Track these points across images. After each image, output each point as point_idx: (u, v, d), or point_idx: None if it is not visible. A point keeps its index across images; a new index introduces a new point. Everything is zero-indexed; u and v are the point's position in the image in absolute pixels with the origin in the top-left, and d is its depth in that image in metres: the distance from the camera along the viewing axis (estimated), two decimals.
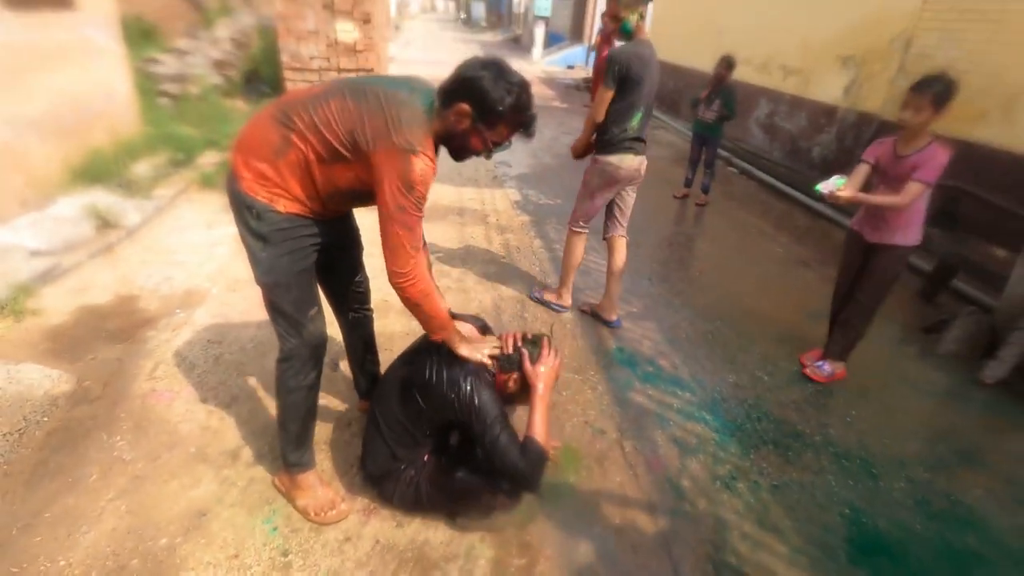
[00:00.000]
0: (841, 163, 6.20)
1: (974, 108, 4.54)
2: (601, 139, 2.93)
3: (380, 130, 1.48)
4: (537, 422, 1.71)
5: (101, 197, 4.15)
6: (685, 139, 7.99)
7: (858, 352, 3.11)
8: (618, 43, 3.04)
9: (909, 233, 2.55)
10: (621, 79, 2.76)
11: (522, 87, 1.56)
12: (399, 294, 1.62)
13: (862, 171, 2.57)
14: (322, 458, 2.15)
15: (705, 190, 5.69)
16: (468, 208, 5.02)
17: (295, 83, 8.08)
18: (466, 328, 1.95)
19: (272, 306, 1.72)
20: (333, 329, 2.25)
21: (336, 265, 1.96)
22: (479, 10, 32.10)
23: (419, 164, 1.47)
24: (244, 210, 1.60)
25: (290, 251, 1.63)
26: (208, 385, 2.50)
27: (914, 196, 2.39)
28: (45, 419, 2.24)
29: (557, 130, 8.32)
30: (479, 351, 1.78)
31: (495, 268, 3.88)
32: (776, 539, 1.97)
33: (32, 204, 3.99)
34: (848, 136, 6.16)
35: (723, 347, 3.14)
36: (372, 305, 2.23)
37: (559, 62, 17.32)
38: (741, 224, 5.27)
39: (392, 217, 1.51)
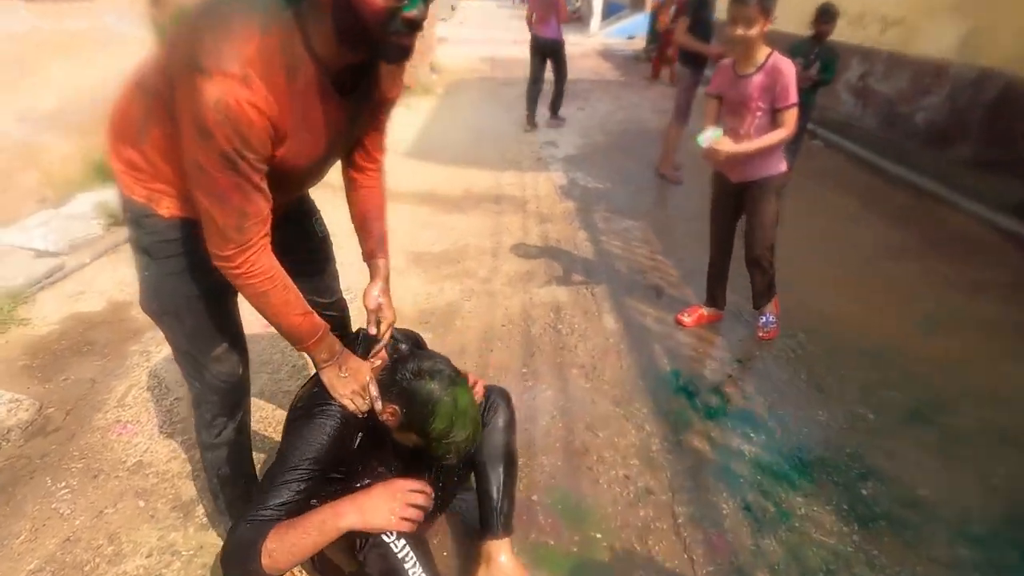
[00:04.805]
0: (953, 129, 5.19)
1: None
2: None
3: (181, 54, 0.95)
4: (300, 531, 1.09)
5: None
6: None
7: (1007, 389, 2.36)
8: None
9: (773, 162, 2.41)
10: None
11: None
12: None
13: (713, 107, 2.44)
14: None
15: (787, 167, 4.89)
16: (506, 195, 4.49)
17: None
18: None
19: (168, 340, 1.31)
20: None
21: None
22: None
23: (212, 91, 0.89)
24: (123, 214, 1.19)
25: (179, 270, 1.19)
26: (178, 416, 2.15)
27: (793, 122, 2.27)
28: None
29: (612, 104, 7.57)
30: (349, 384, 1.24)
31: (529, 266, 3.35)
32: None
33: (50, 202, 3.85)
34: (962, 97, 5.12)
35: (809, 370, 2.47)
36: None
37: (618, 33, 16.27)
38: (825, 206, 4.45)
39: (194, 180, 1.01)
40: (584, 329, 2.74)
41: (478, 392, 1.45)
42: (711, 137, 2.27)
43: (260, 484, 1.20)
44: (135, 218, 1.18)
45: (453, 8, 23.63)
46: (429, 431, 1.20)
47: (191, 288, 1.21)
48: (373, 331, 1.37)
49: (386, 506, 1.14)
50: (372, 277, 1.41)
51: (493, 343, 2.63)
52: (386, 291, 1.40)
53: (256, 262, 1.07)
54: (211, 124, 0.90)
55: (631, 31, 16.01)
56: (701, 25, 4.32)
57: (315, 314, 1.21)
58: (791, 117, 2.23)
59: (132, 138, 1.10)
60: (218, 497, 1.47)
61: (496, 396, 1.53)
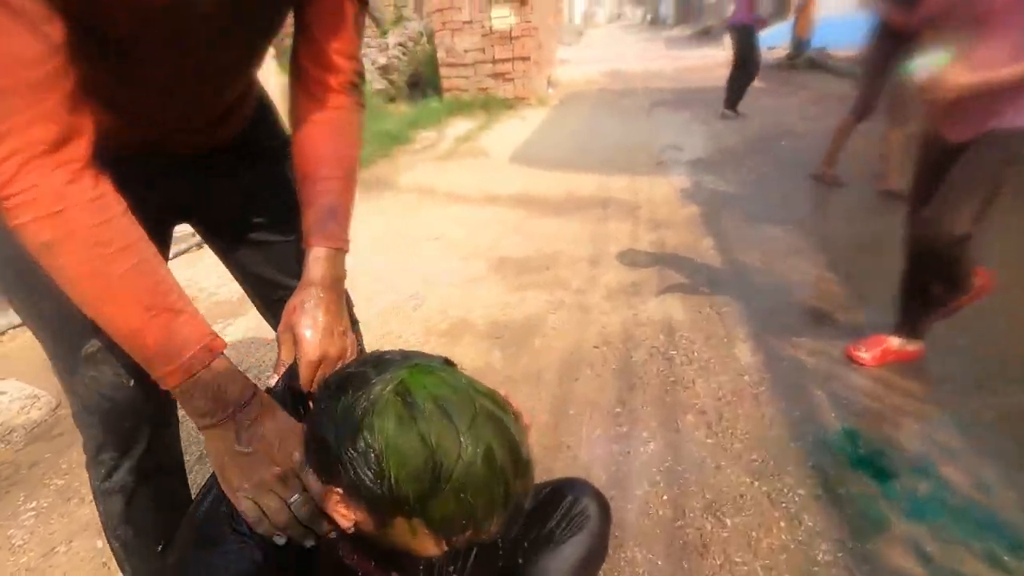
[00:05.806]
0: None
1: None
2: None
3: None
4: None
5: None
6: None
7: None
8: None
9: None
10: None
11: None
12: None
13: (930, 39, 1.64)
14: None
15: None
16: (615, 199, 3.84)
17: (450, 79, 7.75)
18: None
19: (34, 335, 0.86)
20: None
21: (241, 256, 1.01)
22: (667, 6, 30.13)
23: None
24: None
25: None
26: (185, 429, 1.78)
27: None
28: None
29: (749, 109, 6.62)
30: (255, 470, 0.61)
31: (637, 276, 2.67)
32: None
33: None
34: None
35: None
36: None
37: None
38: None
39: None
40: (707, 360, 1.99)
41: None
42: (932, 64, 1.47)
43: None
44: None
45: (580, 35, 23.66)
46: (403, 497, 0.53)
47: None
48: (273, 382, 0.73)
49: None
50: (303, 278, 0.78)
51: (580, 369, 1.99)
52: (320, 308, 0.75)
53: (25, 179, 0.54)
54: None
55: (770, 42, 14.66)
56: None
57: (189, 315, 0.61)
58: None
59: None
60: (124, 567, 1.00)
61: (587, 499, 0.87)
